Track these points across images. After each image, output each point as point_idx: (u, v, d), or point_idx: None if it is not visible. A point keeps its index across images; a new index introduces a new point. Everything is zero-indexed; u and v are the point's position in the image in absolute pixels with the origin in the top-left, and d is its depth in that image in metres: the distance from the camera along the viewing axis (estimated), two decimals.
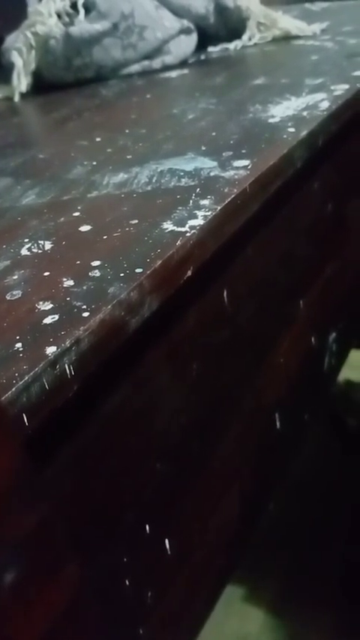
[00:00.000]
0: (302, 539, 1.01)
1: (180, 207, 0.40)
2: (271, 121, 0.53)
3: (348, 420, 1.17)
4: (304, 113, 0.53)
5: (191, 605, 0.47)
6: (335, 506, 1.03)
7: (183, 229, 0.37)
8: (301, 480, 1.06)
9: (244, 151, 0.47)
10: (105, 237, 0.38)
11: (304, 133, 0.48)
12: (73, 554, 0.25)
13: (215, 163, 0.46)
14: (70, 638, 0.26)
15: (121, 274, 0.33)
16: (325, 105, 0.54)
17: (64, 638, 0.25)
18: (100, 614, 0.34)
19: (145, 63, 0.86)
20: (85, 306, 0.31)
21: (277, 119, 0.53)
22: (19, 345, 0.29)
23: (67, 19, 0.84)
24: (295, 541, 1.01)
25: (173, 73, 0.83)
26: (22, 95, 0.87)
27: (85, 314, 0.30)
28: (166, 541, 0.41)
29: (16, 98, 0.86)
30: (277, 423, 0.56)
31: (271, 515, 0.59)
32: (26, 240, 0.40)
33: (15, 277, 0.35)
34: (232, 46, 0.90)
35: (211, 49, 0.91)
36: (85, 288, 0.33)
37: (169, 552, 0.42)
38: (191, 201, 0.40)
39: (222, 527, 0.49)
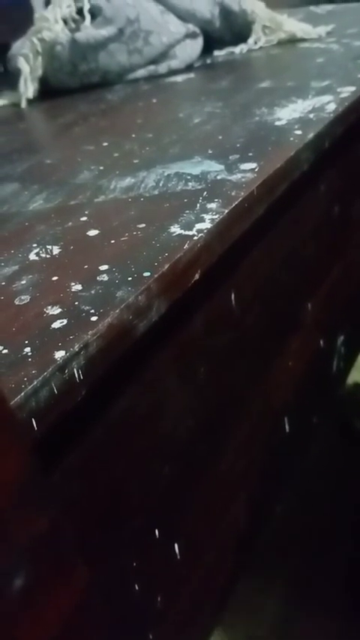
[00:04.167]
0: (309, 542, 1.00)
1: (187, 211, 0.40)
2: (277, 123, 0.53)
3: (355, 422, 1.16)
4: (311, 116, 0.53)
5: (200, 610, 0.47)
6: (341, 508, 1.03)
7: (190, 233, 0.37)
8: (307, 482, 1.05)
9: (250, 154, 0.47)
10: (112, 241, 0.38)
11: (310, 135, 0.48)
12: (81, 558, 0.25)
13: (222, 167, 0.46)
14: None
15: (129, 278, 0.33)
16: (331, 107, 0.54)
17: None
18: (109, 618, 0.34)
19: (151, 67, 0.86)
20: (93, 311, 0.31)
21: (283, 122, 0.53)
22: (27, 349, 0.29)
23: (73, 24, 0.84)
24: (302, 544, 1.00)
25: (179, 78, 0.83)
26: (29, 101, 0.87)
27: (94, 318, 0.30)
28: (175, 545, 0.41)
29: (23, 104, 0.86)
30: (286, 426, 0.56)
31: (277, 518, 0.59)
32: (34, 245, 0.40)
33: (23, 282, 0.36)
34: (238, 49, 0.90)
35: (216, 52, 0.91)
36: (93, 292, 0.33)
37: (178, 557, 0.42)
38: (198, 205, 0.40)
39: (230, 530, 0.49)
